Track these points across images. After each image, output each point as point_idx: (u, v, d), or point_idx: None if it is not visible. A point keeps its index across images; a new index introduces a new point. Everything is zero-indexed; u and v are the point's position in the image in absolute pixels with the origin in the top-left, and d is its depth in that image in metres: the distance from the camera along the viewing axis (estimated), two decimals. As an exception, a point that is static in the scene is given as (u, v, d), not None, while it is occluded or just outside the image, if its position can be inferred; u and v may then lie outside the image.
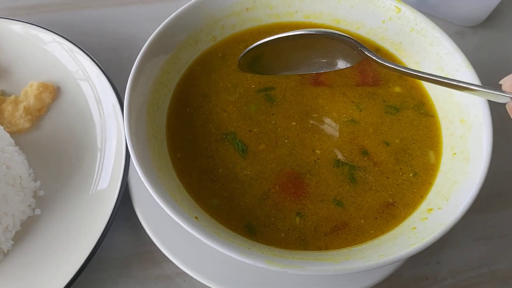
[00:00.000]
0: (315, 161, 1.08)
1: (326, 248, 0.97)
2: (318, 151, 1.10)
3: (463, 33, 1.65)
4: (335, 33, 1.06)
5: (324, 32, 1.03)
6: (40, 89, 1.37)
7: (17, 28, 1.36)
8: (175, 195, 0.99)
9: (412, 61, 1.27)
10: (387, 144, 1.10)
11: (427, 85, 1.24)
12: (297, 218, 1.00)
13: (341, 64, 1.12)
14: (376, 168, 1.09)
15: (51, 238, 1.09)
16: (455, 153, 1.11)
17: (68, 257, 1.05)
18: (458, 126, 1.14)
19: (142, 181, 0.95)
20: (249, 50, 1.10)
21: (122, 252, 1.16)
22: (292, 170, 1.05)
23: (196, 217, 0.97)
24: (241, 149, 1.07)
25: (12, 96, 1.34)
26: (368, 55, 1.08)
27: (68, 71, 1.34)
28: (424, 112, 1.21)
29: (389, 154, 1.09)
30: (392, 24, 1.28)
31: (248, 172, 1.04)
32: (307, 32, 1.05)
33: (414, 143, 1.12)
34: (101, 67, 1.26)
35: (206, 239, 0.90)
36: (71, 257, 1.05)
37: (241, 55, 1.12)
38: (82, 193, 1.15)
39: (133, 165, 1.00)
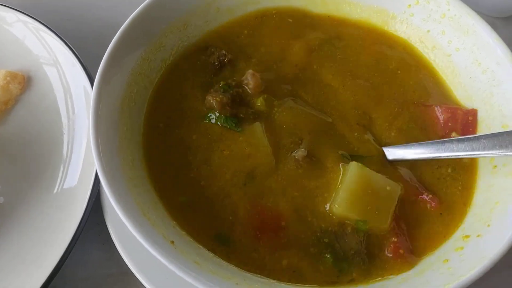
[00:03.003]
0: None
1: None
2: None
3: (494, 25, 1.48)
4: None
5: None
6: (8, 78, 1.20)
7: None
8: (148, 213, 0.81)
9: (442, 53, 1.10)
10: None
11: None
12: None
13: None
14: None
15: (12, 253, 0.98)
16: (495, 166, 0.93)
17: (29, 274, 0.94)
18: (498, 129, 0.96)
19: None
20: None
21: (92, 272, 1.03)
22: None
23: (173, 242, 0.78)
24: (233, 124, 0.96)
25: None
26: None
27: (38, 57, 1.21)
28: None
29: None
30: (419, 9, 1.10)
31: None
32: None
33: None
34: (75, 52, 1.15)
35: (183, 272, 0.71)
36: (33, 275, 0.94)
37: None
38: (45, 192, 1.04)
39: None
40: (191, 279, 0.70)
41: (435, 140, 0.94)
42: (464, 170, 0.96)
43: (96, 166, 0.79)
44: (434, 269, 0.82)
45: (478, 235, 0.84)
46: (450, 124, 1.00)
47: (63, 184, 1.04)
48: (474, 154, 0.88)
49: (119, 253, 0.97)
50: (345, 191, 0.87)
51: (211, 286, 0.70)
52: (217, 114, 0.96)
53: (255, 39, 1.11)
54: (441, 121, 1.01)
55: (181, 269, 0.71)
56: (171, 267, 0.71)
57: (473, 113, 1.01)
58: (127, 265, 0.95)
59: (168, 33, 1.05)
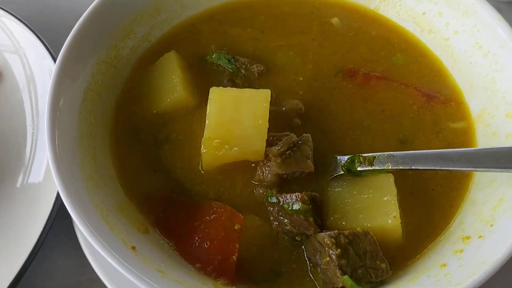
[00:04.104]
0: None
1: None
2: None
3: (499, 10, 1.39)
4: None
5: None
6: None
7: None
8: (108, 216, 0.73)
9: (439, 37, 1.01)
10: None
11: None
12: None
13: None
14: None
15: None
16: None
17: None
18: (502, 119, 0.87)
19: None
20: None
21: (61, 280, 0.98)
22: None
23: (134, 248, 0.70)
24: (227, 60, 0.95)
25: None
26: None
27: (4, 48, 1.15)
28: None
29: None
30: (413, -11, 1.01)
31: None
32: None
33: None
34: (41, 38, 1.08)
35: (141, 282, 0.62)
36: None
37: None
38: (9, 184, 0.98)
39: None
40: (150, 289, 0.62)
41: (430, 151, 0.84)
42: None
43: (48, 159, 0.71)
44: (430, 275, 0.73)
45: (480, 237, 0.76)
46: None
47: (27, 179, 0.98)
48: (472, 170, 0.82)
49: (90, 259, 0.89)
50: None
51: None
52: None
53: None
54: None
55: (139, 278, 0.63)
56: (127, 275, 0.63)
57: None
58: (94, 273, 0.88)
59: (139, 20, 0.97)
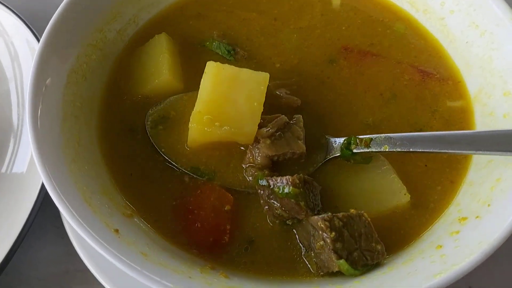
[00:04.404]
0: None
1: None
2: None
3: None
4: None
5: None
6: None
7: None
8: (90, 198, 0.71)
9: (435, 17, 0.98)
10: None
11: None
12: None
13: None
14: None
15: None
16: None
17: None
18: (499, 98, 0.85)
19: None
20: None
21: (48, 268, 0.96)
22: None
23: (117, 230, 0.67)
24: (227, 51, 0.93)
25: None
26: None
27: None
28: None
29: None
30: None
31: None
32: None
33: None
34: (28, 24, 1.07)
35: (124, 264, 0.60)
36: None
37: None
38: None
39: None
40: (133, 272, 0.59)
41: (429, 133, 0.81)
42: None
43: (29, 138, 0.69)
44: (425, 257, 0.70)
45: (477, 217, 0.73)
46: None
47: (12, 166, 0.97)
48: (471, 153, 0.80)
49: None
50: None
51: (157, 281, 0.59)
52: None
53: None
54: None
55: (120, 260, 0.60)
56: (109, 257, 0.60)
57: None
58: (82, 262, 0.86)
59: (126, 2, 0.95)
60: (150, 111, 0.86)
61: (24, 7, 1.17)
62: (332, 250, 0.71)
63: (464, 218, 0.75)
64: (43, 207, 0.93)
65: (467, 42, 0.93)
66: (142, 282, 0.66)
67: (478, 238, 0.68)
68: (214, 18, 0.99)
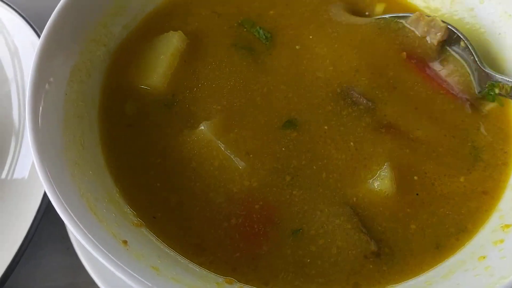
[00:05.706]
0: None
1: None
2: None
3: None
4: None
5: None
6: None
7: None
8: (96, 206, 0.64)
9: (463, 8, 0.92)
10: None
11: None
12: None
13: None
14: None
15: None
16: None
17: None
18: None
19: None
20: None
21: (53, 282, 0.93)
22: None
23: (125, 241, 0.61)
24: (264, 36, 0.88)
25: None
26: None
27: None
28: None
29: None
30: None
31: None
32: None
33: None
34: (31, 23, 1.04)
35: (133, 280, 0.53)
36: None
37: None
38: None
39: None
40: (143, 288, 0.53)
41: None
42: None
43: (29, 138, 0.63)
44: (468, 269, 0.64)
45: (523, 224, 0.66)
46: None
47: (13, 171, 0.94)
48: None
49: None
50: None
51: (170, 298, 0.53)
52: None
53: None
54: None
55: (131, 276, 0.54)
56: (118, 272, 0.54)
57: None
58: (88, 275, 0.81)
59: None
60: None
61: (27, 5, 1.13)
62: None
63: (508, 226, 0.68)
64: (47, 214, 0.88)
65: (500, 34, 0.87)
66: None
67: (527, 247, 0.61)
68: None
